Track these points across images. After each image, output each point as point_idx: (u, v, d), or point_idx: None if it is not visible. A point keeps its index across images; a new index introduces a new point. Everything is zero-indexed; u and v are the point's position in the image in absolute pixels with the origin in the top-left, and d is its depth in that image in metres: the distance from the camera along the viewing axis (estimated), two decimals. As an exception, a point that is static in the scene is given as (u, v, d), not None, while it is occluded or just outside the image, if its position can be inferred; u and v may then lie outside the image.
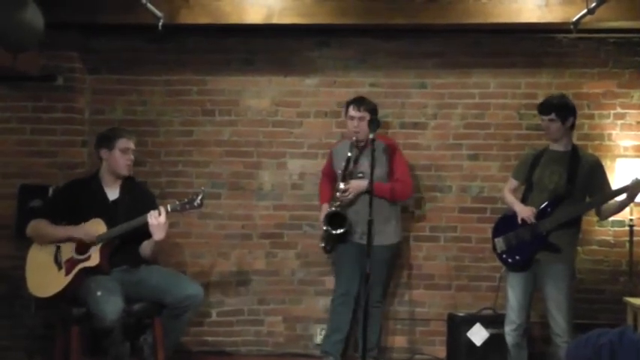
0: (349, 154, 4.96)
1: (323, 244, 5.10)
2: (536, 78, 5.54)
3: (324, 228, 4.99)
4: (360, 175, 4.97)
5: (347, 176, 4.97)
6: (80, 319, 4.19)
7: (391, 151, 5.07)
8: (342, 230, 4.92)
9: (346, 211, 4.97)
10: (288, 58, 5.62)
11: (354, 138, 4.97)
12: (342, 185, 4.94)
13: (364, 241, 4.78)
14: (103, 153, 4.47)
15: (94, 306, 4.06)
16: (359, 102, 5.02)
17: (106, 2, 5.12)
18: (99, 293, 4.08)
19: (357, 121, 4.97)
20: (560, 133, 4.37)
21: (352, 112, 5.00)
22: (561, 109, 4.35)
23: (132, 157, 4.52)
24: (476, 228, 5.53)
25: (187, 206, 4.35)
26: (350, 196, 4.94)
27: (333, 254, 5.23)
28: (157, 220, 4.23)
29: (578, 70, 5.52)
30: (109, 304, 4.03)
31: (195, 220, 5.54)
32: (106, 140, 4.48)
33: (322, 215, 5.05)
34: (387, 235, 5.01)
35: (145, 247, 4.45)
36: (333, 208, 4.95)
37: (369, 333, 4.61)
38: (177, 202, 4.37)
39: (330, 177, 5.26)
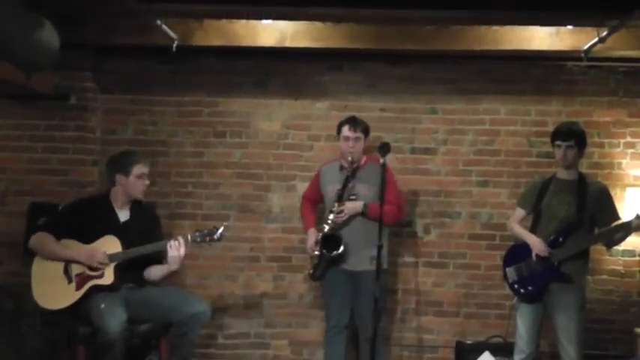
0: (347, 174, 4.81)
1: (311, 271, 4.92)
2: (547, 105, 5.55)
3: (318, 252, 4.80)
4: (353, 197, 4.82)
5: (341, 197, 4.80)
6: (86, 337, 4.15)
7: (383, 173, 4.88)
8: (340, 251, 4.72)
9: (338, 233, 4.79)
10: (299, 81, 5.66)
11: (349, 158, 4.80)
12: (336, 206, 4.78)
13: (355, 268, 4.81)
14: (119, 178, 4.45)
15: (96, 319, 4.05)
16: (354, 122, 4.89)
17: (121, 23, 5.16)
18: (102, 306, 4.07)
19: (352, 141, 4.83)
20: (575, 160, 4.37)
21: (348, 132, 4.86)
22: (580, 137, 4.37)
23: (147, 181, 4.53)
24: (485, 255, 5.52)
25: (207, 238, 4.37)
26: (345, 217, 4.78)
27: (320, 283, 5.07)
28: (177, 251, 4.27)
29: (588, 98, 5.54)
30: (113, 316, 4.02)
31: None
32: (121, 166, 4.46)
33: (311, 241, 4.87)
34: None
35: (154, 272, 4.44)
36: (326, 230, 4.77)
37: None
38: (197, 233, 4.39)
39: (312, 201, 5.16)
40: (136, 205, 4.56)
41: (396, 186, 4.99)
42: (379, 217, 4.62)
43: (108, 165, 4.57)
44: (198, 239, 4.36)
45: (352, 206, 4.79)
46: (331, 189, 4.90)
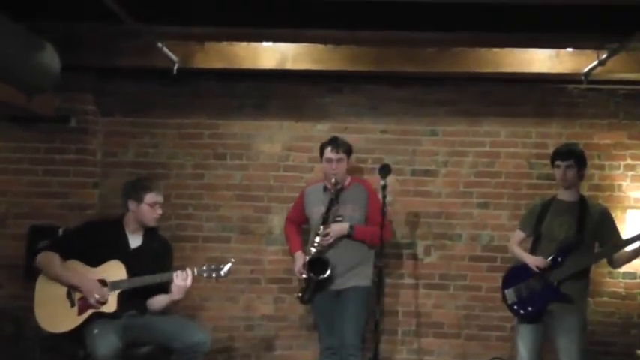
0: (331, 197, 4.79)
1: (300, 294, 4.89)
2: (547, 128, 5.57)
3: (305, 276, 4.78)
4: (339, 219, 4.80)
5: (326, 220, 4.77)
6: (85, 360, 4.15)
7: (370, 194, 4.93)
8: (326, 275, 4.68)
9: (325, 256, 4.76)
10: (300, 103, 5.67)
11: (333, 180, 4.79)
12: (322, 229, 4.75)
13: (340, 287, 4.80)
14: (131, 204, 4.42)
15: (89, 342, 4.04)
16: (336, 144, 4.87)
17: (122, 46, 5.18)
18: (95, 331, 4.06)
19: (335, 163, 4.82)
20: (575, 181, 4.38)
21: (330, 154, 4.85)
22: (580, 157, 4.39)
23: (160, 211, 4.49)
24: (486, 277, 5.50)
25: (213, 274, 4.37)
26: (331, 240, 4.74)
27: (311, 306, 5.05)
28: (184, 281, 4.25)
29: (588, 120, 5.56)
30: (104, 341, 3.99)
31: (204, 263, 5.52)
32: (134, 192, 4.43)
33: (299, 264, 4.85)
34: (363, 277, 4.82)
35: (158, 302, 4.41)
36: (313, 251, 4.74)
37: None
38: (204, 267, 4.38)
39: (296, 223, 5.15)
40: (149, 232, 4.52)
41: (380, 205, 4.86)
42: (365, 238, 4.76)
43: (123, 189, 4.54)
44: (205, 274, 4.36)
45: (338, 228, 4.77)
46: (316, 211, 4.89)
